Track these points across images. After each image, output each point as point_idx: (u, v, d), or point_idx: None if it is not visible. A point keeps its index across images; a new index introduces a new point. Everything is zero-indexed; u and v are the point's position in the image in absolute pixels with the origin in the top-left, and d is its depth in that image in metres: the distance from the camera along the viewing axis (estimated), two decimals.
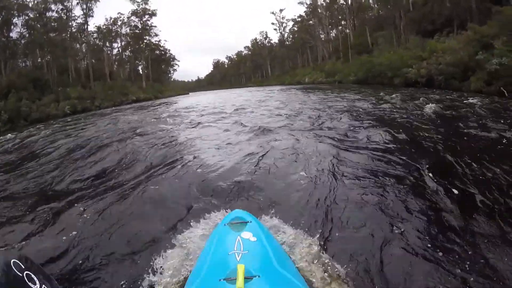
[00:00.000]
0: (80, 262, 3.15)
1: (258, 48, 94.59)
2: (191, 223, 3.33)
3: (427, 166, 4.82)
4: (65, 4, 44.05)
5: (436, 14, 31.41)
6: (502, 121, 7.82)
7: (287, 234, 2.89)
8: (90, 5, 46.63)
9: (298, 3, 67.65)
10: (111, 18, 56.69)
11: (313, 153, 6.13)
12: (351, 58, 45.38)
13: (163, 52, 70.73)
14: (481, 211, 3.45)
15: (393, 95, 16.08)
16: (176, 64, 79.38)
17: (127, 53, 63.11)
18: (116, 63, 61.71)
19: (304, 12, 68.67)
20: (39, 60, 39.99)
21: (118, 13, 61.26)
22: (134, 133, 10.47)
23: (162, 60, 71.80)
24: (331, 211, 3.68)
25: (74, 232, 3.70)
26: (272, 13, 78.95)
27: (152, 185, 5.10)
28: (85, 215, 4.15)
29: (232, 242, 2.06)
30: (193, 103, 25.33)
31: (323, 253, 2.69)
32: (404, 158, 5.45)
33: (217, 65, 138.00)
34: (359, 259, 2.75)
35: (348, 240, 3.07)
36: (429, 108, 10.71)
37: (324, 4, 62.30)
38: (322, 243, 2.91)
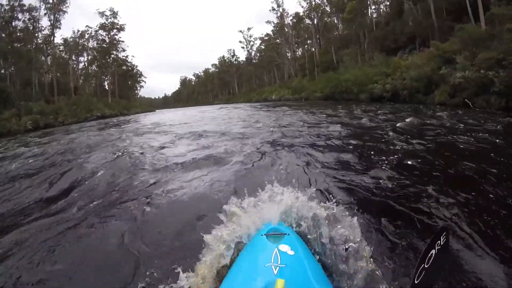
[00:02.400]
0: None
1: (226, 66, 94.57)
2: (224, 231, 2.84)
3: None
4: (33, 14, 42.02)
5: (398, 33, 32.44)
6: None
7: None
8: (58, 16, 44.72)
9: (266, 22, 68.87)
10: (78, 30, 54.81)
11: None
12: (317, 75, 46.12)
13: (130, 68, 69.18)
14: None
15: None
16: (143, 81, 78.21)
17: (94, 67, 60.68)
18: (82, 77, 59.23)
19: (271, 31, 69.73)
20: (2, 71, 37.10)
21: (86, 26, 59.75)
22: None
23: (129, 76, 70.10)
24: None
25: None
26: (240, 31, 79.91)
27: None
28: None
29: (269, 254, 1.93)
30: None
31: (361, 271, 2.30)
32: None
33: (184, 82, 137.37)
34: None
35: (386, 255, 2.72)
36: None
37: (291, 24, 63.49)
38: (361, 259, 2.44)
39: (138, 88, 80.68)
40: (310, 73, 50.16)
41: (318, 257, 2.36)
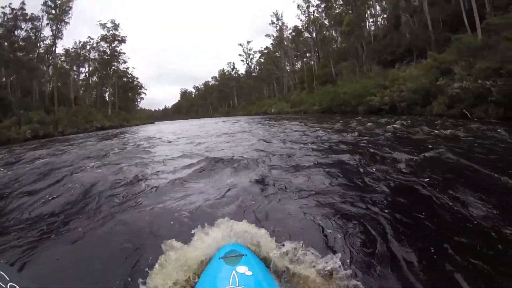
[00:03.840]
0: None
1: (226, 79, 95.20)
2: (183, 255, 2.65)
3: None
4: (35, 23, 42.42)
5: (396, 45, 32.50)
6: None
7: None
8: (60, 26, 45.13)
9: (265, 35, 69.37)
10: (80, 41, 55.48)
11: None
12: (316, 88, 46.20)
13: (130, 80, 69.69)
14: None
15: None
16: (143, 93, 78.70)
17: (94, 78, 61.27)
18: (83, 88, 59.71)
19: (271, 44, 70.21)
20: (3, 79, 37.20)
21: (88, 37, 60.67)
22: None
23: (129, 88, 70.54)
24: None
25: None
26: (240, 44, 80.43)
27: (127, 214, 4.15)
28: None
29: (227, 277, 1.91)
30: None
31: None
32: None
33: (184, 94, 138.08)
34: None
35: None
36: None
37: (290, 37, 63.98)
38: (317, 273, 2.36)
39: (139, 100, 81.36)
40: (309, 86, 50.27)
41: (276, 276, 2.32)
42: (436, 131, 9.52)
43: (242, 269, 1.98)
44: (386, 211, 3.53)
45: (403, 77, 22.76)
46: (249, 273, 1.95)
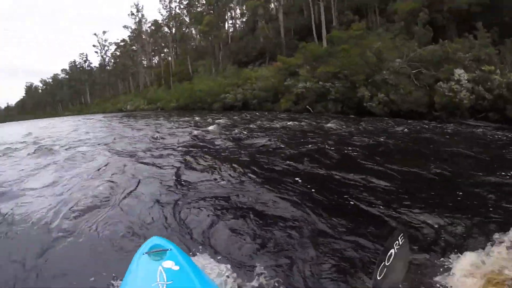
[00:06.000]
0: None
1: (77, 72, 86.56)
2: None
3: None
4: None
5: (250, 48, 34.38)
6: None
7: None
8: None
9: (123, 26, 65.47)
10: None
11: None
12: (173, 85, 45.58)
13: None
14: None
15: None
16: None
17: None
18: None
19: (128, 36, 66.42)
20: None
21: None
22: None
23: None
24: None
25: None
26: (95, 34, 73.61)
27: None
28: None
29: (153, 273, 1.85)
30: None
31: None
32: None
33: (29, 90, 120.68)
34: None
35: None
36: None
37: (149, 31, 61.69)
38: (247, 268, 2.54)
39: None
40: (166, 83, 49.40)
41: (204, 269, 2.33)
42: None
43: (168, 263, 1.94)
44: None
45: (255, 77, 24.47)
46: (175, 267, 1.92)
